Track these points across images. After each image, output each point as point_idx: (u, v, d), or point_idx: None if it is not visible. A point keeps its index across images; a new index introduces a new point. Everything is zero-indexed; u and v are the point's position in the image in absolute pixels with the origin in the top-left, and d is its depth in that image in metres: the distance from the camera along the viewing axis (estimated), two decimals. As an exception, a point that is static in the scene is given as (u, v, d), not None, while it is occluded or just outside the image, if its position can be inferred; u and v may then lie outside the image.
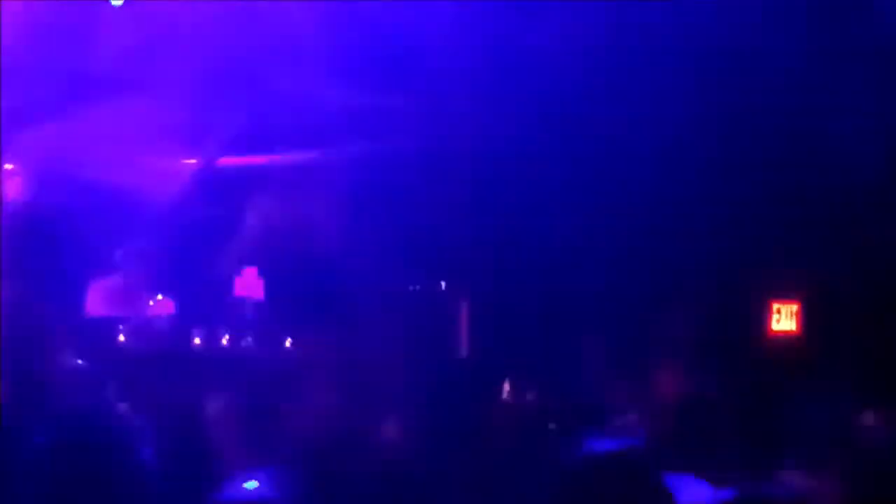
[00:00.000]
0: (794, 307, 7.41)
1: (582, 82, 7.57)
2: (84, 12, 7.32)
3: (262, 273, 7.32)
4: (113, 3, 7.37)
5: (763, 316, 7.51)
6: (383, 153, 7.74)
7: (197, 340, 6.89)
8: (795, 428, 4.83)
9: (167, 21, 7.24)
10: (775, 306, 7.41)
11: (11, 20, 6.91)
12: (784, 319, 7.39)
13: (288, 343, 6.82)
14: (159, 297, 7.19)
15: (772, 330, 7.43)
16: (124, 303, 6.90)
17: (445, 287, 7.82)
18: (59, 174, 7.65)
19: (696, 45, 7.47)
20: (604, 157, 7.76)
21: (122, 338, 6.66)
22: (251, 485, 3.11)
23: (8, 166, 7.83)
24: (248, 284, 7.30)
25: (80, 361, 5.51)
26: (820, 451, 3.77)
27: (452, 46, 7.27)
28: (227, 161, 7.95)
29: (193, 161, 7.87)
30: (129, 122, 7.50)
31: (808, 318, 7.45)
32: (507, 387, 5.75)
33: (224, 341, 6.94)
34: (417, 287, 7.96)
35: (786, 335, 7.46)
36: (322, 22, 7.40)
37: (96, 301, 7.02)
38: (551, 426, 4.88)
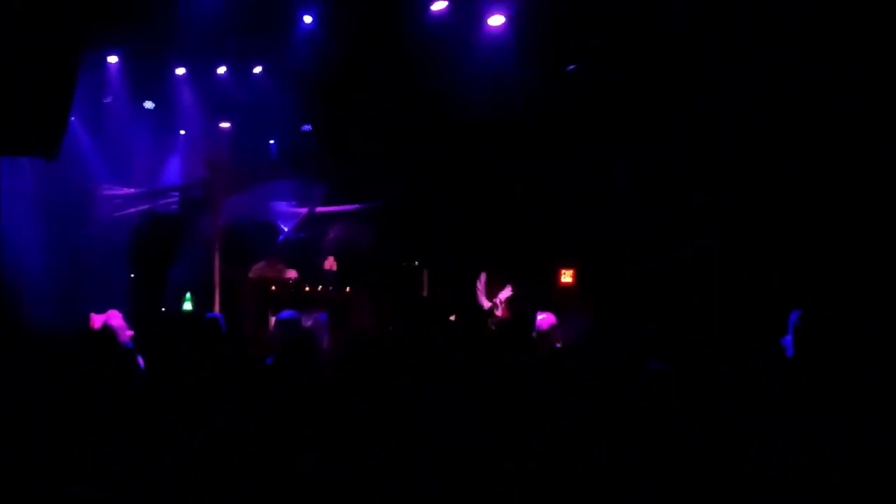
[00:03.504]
0: (572, 272, 10.01)
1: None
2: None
3: (336, 259, 10.88)
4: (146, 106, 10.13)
5: (557, 275, 9.98)
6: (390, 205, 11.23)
7: (307, 288, 10.38)
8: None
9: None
10: (562, 269, 10.00)
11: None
12: (566, 276, 9.98)
13: (348, 290, 10.58)
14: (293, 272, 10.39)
15: (560, 282, 9.93)
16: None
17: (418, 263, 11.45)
18: (233, 211, 10.82)
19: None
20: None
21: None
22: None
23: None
24: (330, 264, 10.88)
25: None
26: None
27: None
28: (321, 209, 11.64)
29: (305, 209, 11.78)
30: (272, 190, 11.61)
31: (579, 276, 9.91)
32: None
33: (319, 289, 10.56)
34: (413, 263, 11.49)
35: (567, 286, 9.94)
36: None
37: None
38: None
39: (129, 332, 5.35)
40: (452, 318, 6.55)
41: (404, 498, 2.66)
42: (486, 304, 8.12)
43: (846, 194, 6.44)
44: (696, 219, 8.14)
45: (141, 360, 4.69)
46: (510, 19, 8.49)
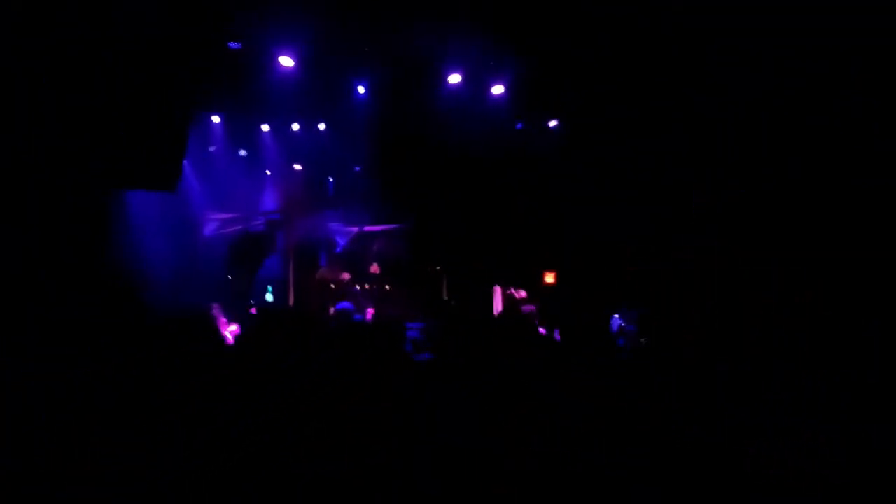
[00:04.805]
0: (553, 273, 9.79)
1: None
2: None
3: (379, 265, 10.82)
4: (240, 153, 10.08)
5: (543, 276, 9.81)
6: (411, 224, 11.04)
7: (357, 286, 10.25)
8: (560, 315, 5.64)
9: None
10: (546, 272, 9.82)
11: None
12: (549, 278, 9.80)
13: (387, 287, 10.49)
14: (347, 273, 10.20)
15: (545, 282, 9.78)
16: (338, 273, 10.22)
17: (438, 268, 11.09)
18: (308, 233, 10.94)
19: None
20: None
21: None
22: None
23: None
24: (374, 268, 10.86)
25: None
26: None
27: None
28: (367, 228, 11.29)
29: (356, 228, 11.36)
30: (330, 214, 11.27)
31: (558, 278, 9.71)
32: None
33: (367, 286, 10.39)
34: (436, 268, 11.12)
35: (550, 284, 9.78)
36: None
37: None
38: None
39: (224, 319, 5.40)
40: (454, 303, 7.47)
41: (404, 498, 2.18)
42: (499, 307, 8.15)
43: (846, 194, 5.19)
44: (696, 219, 6.71)
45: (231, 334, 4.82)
46: (508, 88, 8.34)
